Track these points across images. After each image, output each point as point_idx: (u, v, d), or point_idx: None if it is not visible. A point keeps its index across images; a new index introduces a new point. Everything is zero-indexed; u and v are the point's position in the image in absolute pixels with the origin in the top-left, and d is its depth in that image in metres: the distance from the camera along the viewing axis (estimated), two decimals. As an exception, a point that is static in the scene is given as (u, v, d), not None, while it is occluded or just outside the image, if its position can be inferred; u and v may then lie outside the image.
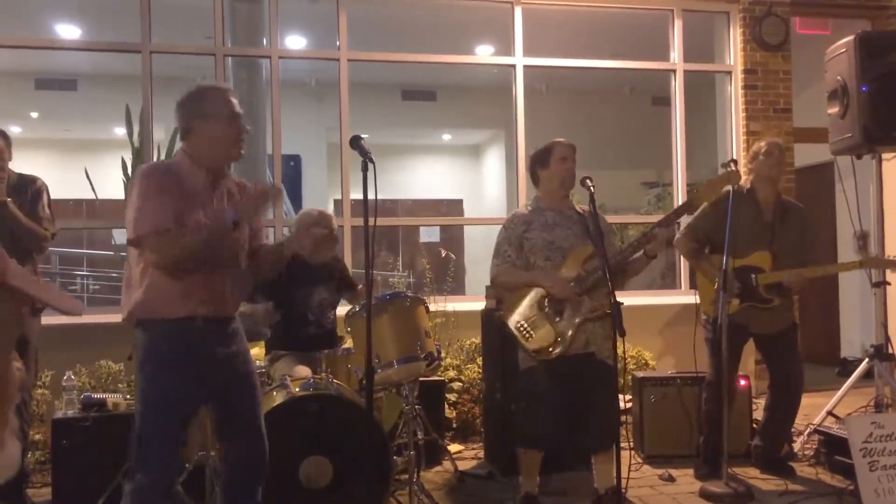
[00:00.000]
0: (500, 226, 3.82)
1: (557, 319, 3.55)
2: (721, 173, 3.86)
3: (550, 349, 3.54)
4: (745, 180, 4.30)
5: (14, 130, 10.93)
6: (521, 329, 3.59)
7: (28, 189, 3.79)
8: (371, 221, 2.68)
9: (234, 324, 2.83)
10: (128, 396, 4.16)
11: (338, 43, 6.07)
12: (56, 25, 7.74)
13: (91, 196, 6.05)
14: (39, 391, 4.75)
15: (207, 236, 2.63)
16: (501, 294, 3.81)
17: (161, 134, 7.42)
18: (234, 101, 2.78)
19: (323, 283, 4.26)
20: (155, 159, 6.53)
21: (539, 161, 3.76)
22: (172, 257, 2.58)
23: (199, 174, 2.72)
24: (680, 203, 6.46)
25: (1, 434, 0.93)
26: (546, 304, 3.57)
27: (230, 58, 6.21)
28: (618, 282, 3.63)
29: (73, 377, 4.18)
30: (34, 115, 10.37)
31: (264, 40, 6.23)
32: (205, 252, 2.63)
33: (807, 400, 4.47)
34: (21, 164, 3.96)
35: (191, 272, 2.63)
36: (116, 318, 4.94)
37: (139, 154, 5.73)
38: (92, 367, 4.87)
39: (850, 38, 4.52)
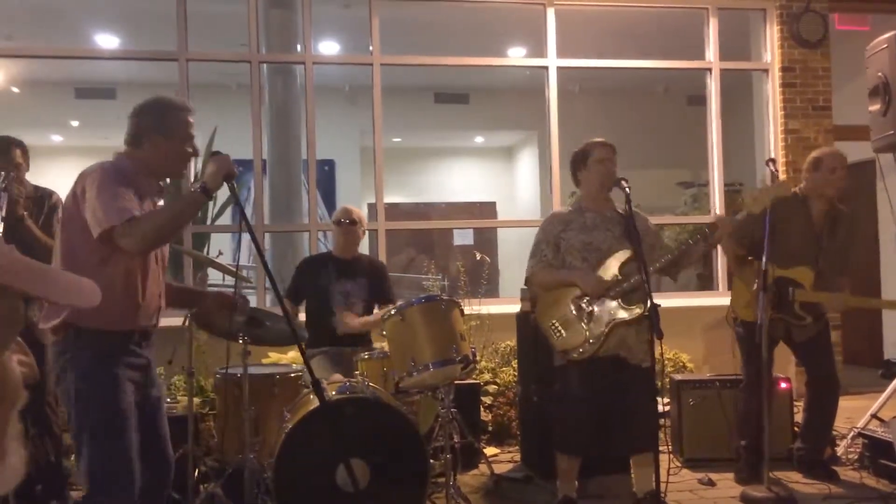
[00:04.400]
0: (534, 228, 3.82)
1: (589, 321, 3.54)
2: (770, 185, 3.76)
3: (580, 349, 3.53)
4: (798, 188, 4.22)
5: (55, 139, 11.20)
6: (553, 328, 3.60)
7: (45, 203, 3.83)
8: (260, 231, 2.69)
9: (153, 335, 2.75)
10: (168, 400, 4.22)
11: (370, 47, 6.11)
12: (95, 35, 7.89)
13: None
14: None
15: (180, 207, 2.59)
16: (537, 294, 3.80)
17: (197, 140, 7.51)
18: (192, 121, 2.73)
19: (348, 277, 4.36)
20: (193, 166, 6.65)
21: (578, 163, 3.73)
22: (145, 238, 2.47)
23: (146, 181, 2.66)
24: (720, 208, 6.44)
25: (0, 442, 0.88)
26: (580, 304, 3.56)
27: (265, 64, 6.28)
28: (671, 273, 3.64)
29: (114, 381, 4.24)
30: (74, 123, 10.58)
31: (298, 46, 6.28)
32: (176, 222, 2.60)
33: (850, 402, 4.38)
34: (62, 172, 4.04)
35: (127, 289, 2.54)
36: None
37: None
38: (132, 370, 4.93)
39: (892, 33, 4.44)
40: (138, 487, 2.50)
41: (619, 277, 3.52)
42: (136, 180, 2.59)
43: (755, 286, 3.95)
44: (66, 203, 2.59)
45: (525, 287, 4.32)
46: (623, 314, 3.51)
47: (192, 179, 6.26)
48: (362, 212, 4.62)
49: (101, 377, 2.50)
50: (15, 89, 9.37)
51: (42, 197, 3.85)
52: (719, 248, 5.46)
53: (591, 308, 3.54)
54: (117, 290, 2.54)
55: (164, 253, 2.76)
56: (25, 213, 3.66)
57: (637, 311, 3.49)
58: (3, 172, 3.62)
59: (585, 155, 3.69)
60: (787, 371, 4.91)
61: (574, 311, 3.56)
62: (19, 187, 3.66)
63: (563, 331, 3.58)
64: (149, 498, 2.63)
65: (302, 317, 4.53)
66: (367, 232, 4.69)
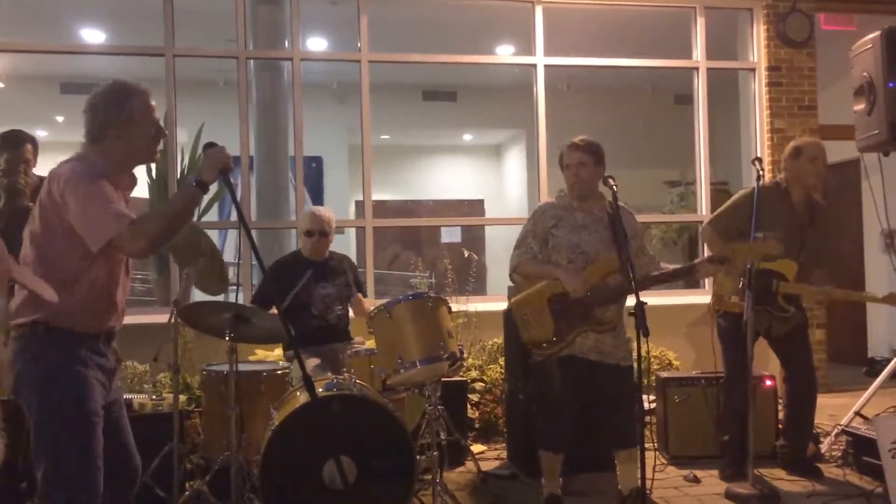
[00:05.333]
0: (522, 226, 3.82)
1: (560, 319, 3.54)
2: (763, 243, 3.75)
3: (544, 345, 3.55)
4: (779, 178, 4.25)
5: (40, 134, 11.08)
6: (524, 317, 3.61)
7: None
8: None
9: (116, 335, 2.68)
10: (153, 397, 4.21)
11: (359, 44, 6.09)
12: (81, 30, 7.84)
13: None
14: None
15: (181, 204, 2.51)
16: (518, 282, 3.80)
17: (184, 137, 7.49)
18: (152, 102, 2.59)
19: (326, 279, 4.42)
20: (178, 161, 6.62)
21: (559, 165, 3.79)
22: (154, 241, 2.40)
23: (116, 174, 2.54)
24: (706, 207, 6.47)
25: None
26: (555, 301, 3.56)
27: (252, 60, 6.25)
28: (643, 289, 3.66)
29: (99, 378, 4.22)
30: (60, 118, 10.50)
31: (286, 43, 6.26)
32: (180, 220, 2.48)
33: (834, 400, 4.41)
34: (48, 167, 4.00)
35: (96, 298, 2.48)
36: (141, 319, 5.04)
37: (164, 156, 5.78)
38: (118, 367, 4.91)
39: (877, 33, 4.47)
40: (101, 495, 2.40)
41: (601, 285, 3.54)
42: (107, 175, 2.48)
43: (739, 279, 3.97)
44: (43, 203, 2.47)
45: (512, 285, 4.32)
46: (594, 322, 3.54)
47: (178, 175, 6.23)
48: (331, 213, 4.57)
49: (67, 377, 2.41)
50: (0, 84, 9.29)
51: None
52: (704, 246, 5.49)
53: (565, 307, 3.55)
54: (96, 294, 2.48)
55: None
56: (32, 203, 3.73)
57: (611, 320, 3.54)
58: None
59: (560, 158, 3.75)
60: (770, 369, 4.94)
61: (548, 306, 3.57)
62: (25, 179, 3.76)
63: (532, 322, 3.60)
64: (121, 482, 2.57)
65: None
66: (350, 230, 4.70)
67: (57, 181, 2.43)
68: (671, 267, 3.73)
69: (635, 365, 3.35)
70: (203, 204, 7.66)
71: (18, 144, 3.86)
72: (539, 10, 6.31)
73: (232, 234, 9.62)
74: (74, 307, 2.43)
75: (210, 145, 2.56)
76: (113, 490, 2.50)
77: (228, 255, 9.44)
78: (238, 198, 6.13)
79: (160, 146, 2.69)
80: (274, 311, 3.91)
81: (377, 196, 6.33)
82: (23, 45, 6.72)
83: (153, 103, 2.60)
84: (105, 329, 2.55)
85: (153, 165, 7.00)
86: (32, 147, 3.89)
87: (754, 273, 3.86)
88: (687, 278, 3.67)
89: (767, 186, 4.24)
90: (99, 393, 2.47)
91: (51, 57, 7.58)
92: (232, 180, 2.58)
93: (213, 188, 2.67)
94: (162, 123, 2.65)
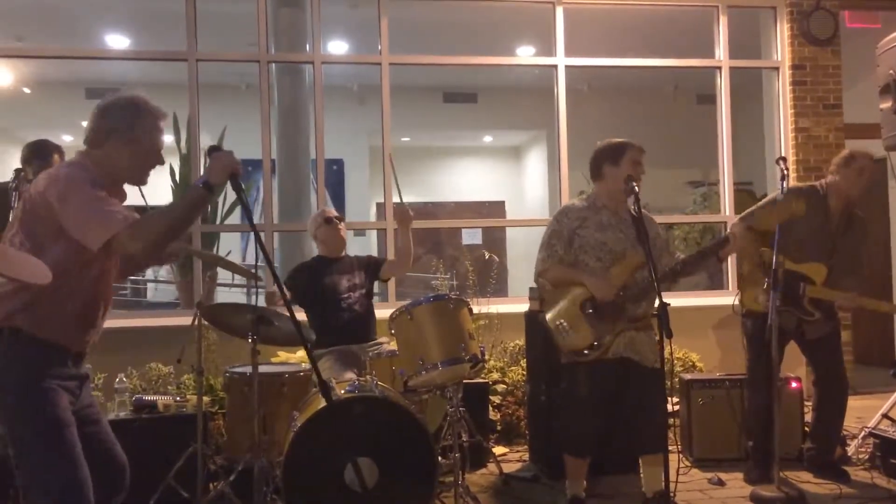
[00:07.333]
0: (542, 227, 3.80)
1: (597, 323, 3.52)
2: (786, 202, 3.76)
3: (585, 351, 3.52)
4: (820, 183, 4.22)
5: (65, 139, 11.24)
6: (560, 327, 3.59)
7: None
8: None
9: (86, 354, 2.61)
10: (177, 398, 4.24)
11: (379, 47, 6.11)
12: (106, 36, 7.93)
13: (140, 202, 6.17)
14: (92, 393, 4.86)
15: (187, 205, 2.39)
16: (544, 288, 3.78)
17: (207, 140, 7.54)
18: (163, 128, 2.53)
19: (346, 273, 4.47)
20: (202, 165, 6.67)
21: (609, 158, 3.64)
22: (157, 241, 2.33)
23: (107, 184, 2.46)
24: (730, 208, 6.43)
25: None
26: (588, 305, 3.54)
27: (274, 64, 6.29)
28: (675, 281, 3.65)
29: (124, 379, 4.28)
30: (84, 123, 10.63)
31: (307, 46, 6.29)
32: (184, 222, 2.40)
33: (861, 402, 4.35)
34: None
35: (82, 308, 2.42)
36: (165, 321, 5.09)
37: (187, 160, 5.84)
38: (142, 369, 4.96)
39: (903, 30, 4.41)
40: (92, 496, 2.36)
41: (631, 282, 3.52)
42: (100, 184, 2.40)
43: (764, 280, 3.93)
44: (34, 203, 2.36)
45: (534, 287, 4.31)
46: (630, 319, 3.52)
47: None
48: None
49: (34, 390, 2.33)
50: (26, 90, 9.42)
51: None
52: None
53: (599, 310, 3.53)
54: (76, 307, 2.40)
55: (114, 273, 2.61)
56: None
57: (646, 316, 3.50)
58: (14, 171, 3.72)
59: (620, 151, 3.62)
60: (797, 370, 4.89)
61: (582, 312, 3.55)
62: None
63: (569, 331, 3.57)
64: (110, 488, 2.53)
65: (301, 316, 4.52)
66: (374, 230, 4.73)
67: (55, 184, 2.35)
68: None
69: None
70: (225, 207, 7.72)
71: (47, 155, 3.93)
72: (560, 11, 6.29)
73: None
74: (50, 316, 2.34)
75: (215, 149, 2.49)
76: (100, 491, 2.44)
77: (251, 258, 9.48)
78: (260, 201, 6.20)
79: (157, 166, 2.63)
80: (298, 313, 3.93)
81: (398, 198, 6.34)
82: (48, 51, 6.81)
83: (163, 127, 2.55)
84: (77, 347, 2.47)
85: (177, 169, 7.06)
86: (60, 157, 3.95)
87: (782, 274, 3.82)
88: (715, 256, 3.62)
89: (804, 189, 4.20)
90: (67, 402, 2.40)
91: (76, 62, 7.69)
92: (241, 185, 2.48)
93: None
94: (183, 129, 2.64)
